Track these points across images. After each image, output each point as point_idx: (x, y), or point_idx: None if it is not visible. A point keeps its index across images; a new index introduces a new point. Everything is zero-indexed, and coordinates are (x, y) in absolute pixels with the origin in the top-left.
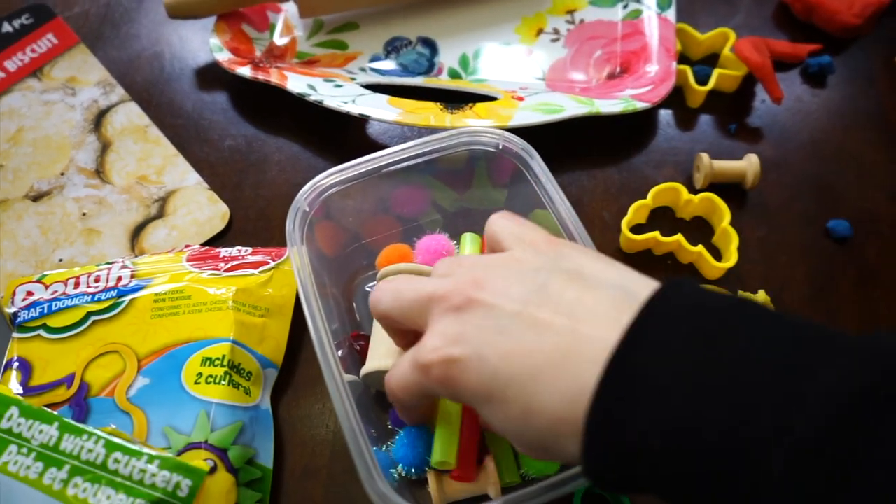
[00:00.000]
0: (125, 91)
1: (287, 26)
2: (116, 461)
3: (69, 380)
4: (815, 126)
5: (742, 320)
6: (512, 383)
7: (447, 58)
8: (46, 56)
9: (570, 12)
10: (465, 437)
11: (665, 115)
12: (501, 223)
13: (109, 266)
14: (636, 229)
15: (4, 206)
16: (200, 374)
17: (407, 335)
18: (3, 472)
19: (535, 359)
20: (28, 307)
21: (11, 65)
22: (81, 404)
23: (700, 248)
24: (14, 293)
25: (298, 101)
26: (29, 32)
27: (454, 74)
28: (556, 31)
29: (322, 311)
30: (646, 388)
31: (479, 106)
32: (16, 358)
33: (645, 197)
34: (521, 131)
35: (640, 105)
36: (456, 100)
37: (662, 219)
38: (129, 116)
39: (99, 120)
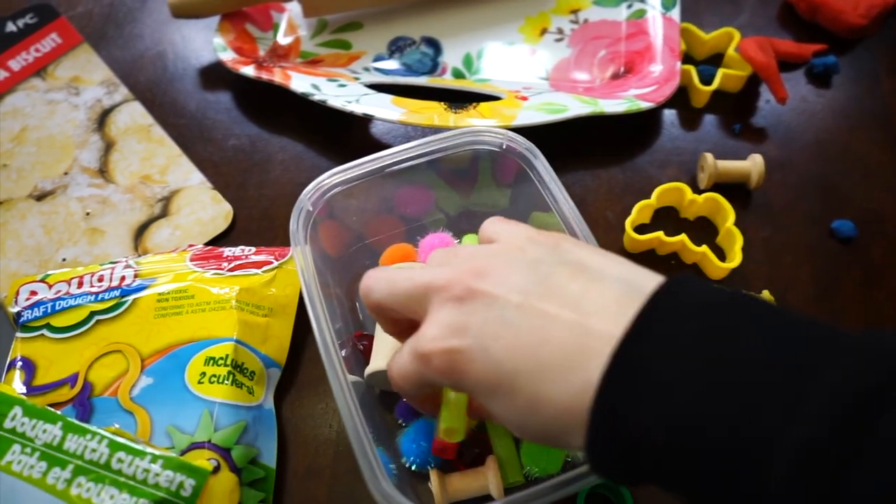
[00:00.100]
0: (129, 90)
1: (291, 26)
2: (120, 461)
3: (73, 379)
4: (819, 126)
5: (746, 318)
6: (519, 375)
7: (451, 57)
8: (50, 56)
9: (574, 12)
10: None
11: (669, 115)
12: (497, 224)
13: (113, 266)
14: (640, 229)
15: (8, 205)
16: (204, 374)
17: (399, 323)
18: (6, 471)
19: (541, 352)
20: (32, 307)
21: (15, 64)
22: (85, 404)
23: (704, 248)
24: (18, 293)
25: (302, 100)
26: (33, 32)
27: (458, 74)
28: (560, 31)
29: (325, 310)
30: (649, 383)
31: (483, 106)
32: (19, 357)
33: (649, 197)
34: (524, 131)
35: (644, 105)
36: (460, 99)
37: (666, 219)
38: (133, 116)
39: (102, 119)
